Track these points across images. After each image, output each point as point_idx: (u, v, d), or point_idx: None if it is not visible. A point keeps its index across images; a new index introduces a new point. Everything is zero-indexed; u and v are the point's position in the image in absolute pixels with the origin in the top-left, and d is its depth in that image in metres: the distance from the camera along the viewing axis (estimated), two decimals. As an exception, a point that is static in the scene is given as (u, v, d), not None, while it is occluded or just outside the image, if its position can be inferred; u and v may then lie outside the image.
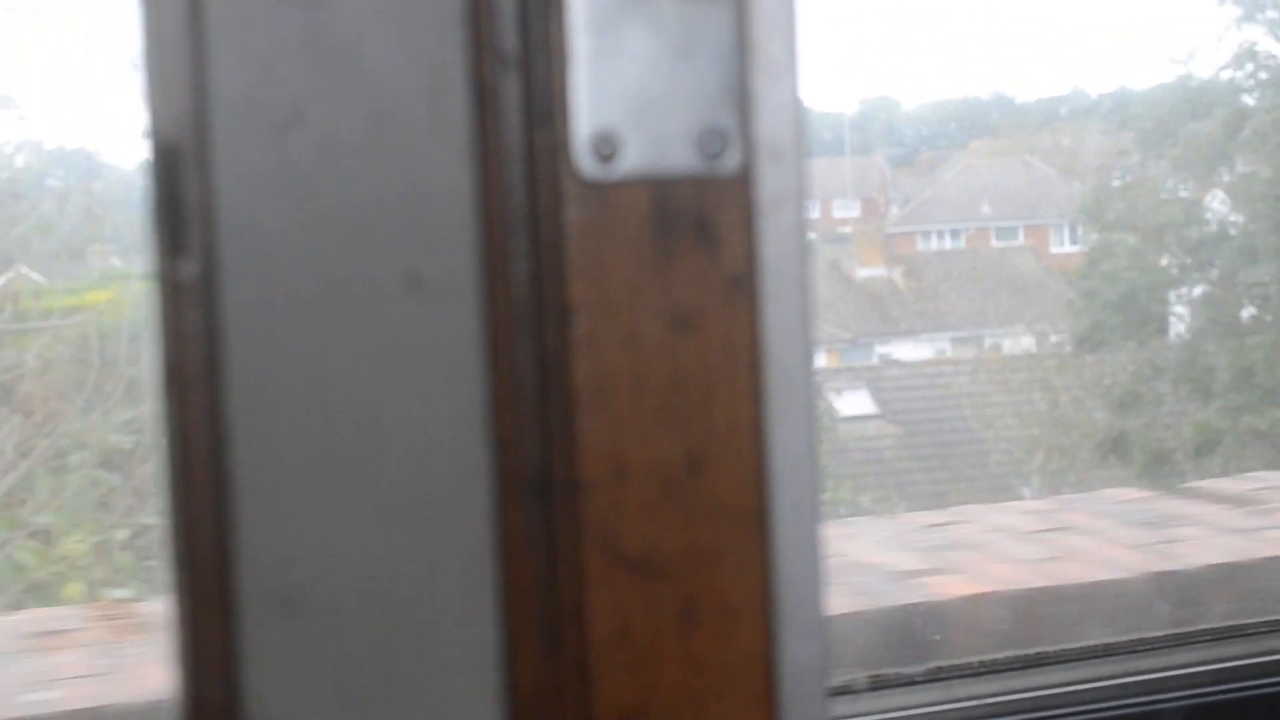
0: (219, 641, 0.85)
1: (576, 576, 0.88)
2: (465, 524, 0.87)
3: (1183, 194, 9.92)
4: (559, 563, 0.88)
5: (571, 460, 0.88)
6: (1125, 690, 2.18)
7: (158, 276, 0.85)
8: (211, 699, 0.85)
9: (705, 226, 0.90)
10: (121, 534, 4.22)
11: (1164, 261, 9.71)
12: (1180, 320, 9.68)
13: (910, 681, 2.13)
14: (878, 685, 2.10)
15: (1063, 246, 11.57)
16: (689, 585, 0.90)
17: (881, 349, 10.52)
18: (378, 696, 0.86)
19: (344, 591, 0.86)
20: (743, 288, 0.91)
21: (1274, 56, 9.70)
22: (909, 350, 10.46)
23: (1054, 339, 10.17)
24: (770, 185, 0.91)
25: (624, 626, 0.89)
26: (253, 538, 0.84)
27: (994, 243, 12.05)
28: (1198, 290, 9.66)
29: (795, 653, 0.91)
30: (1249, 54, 9.64)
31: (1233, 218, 9.62)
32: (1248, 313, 9.39)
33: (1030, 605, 2.46)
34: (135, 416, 4.32)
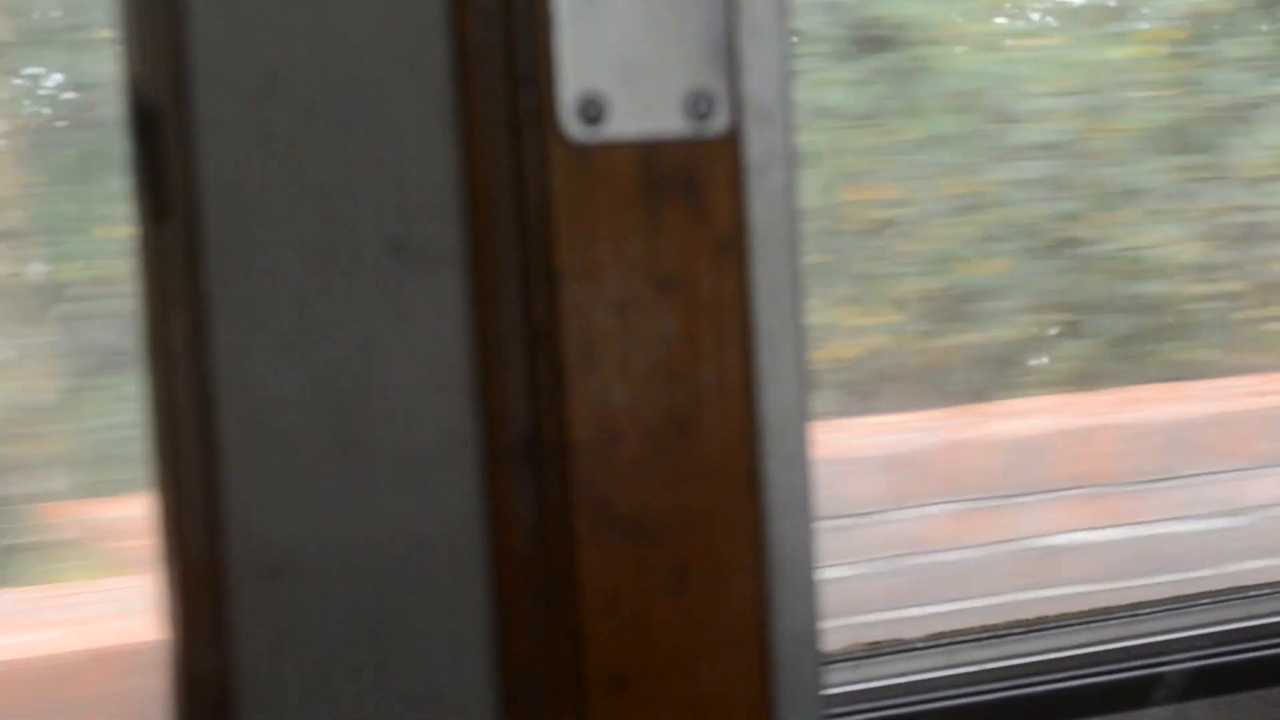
0: (209, 610, 0.84)
1: (567, 541, 0.88)
2: (454, 490, 0.87)
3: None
4: (549, 527, 0.88)
5: (561, 424, 0.88)
6: (1127, 654, 2.18)
7: (140, 242, 0.84)
8: (202, 667, 0.85)
9: (693, 188, 0.89)
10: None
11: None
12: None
13: (909, 648, 2.13)
14: (875, 651, 2.10)
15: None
16: (680, 547, 0.89)
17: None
18: (368, 664, 0.86)
19: (333, 559, 0.85)
20: (732, 249, 0.90)
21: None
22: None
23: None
24: (759, 146, 0.91)
25: (615, 590, 0.89)
26: (241, 506, 0.84)
27: None
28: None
29: (788, 614, 0.91)
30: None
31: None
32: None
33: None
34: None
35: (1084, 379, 3.06)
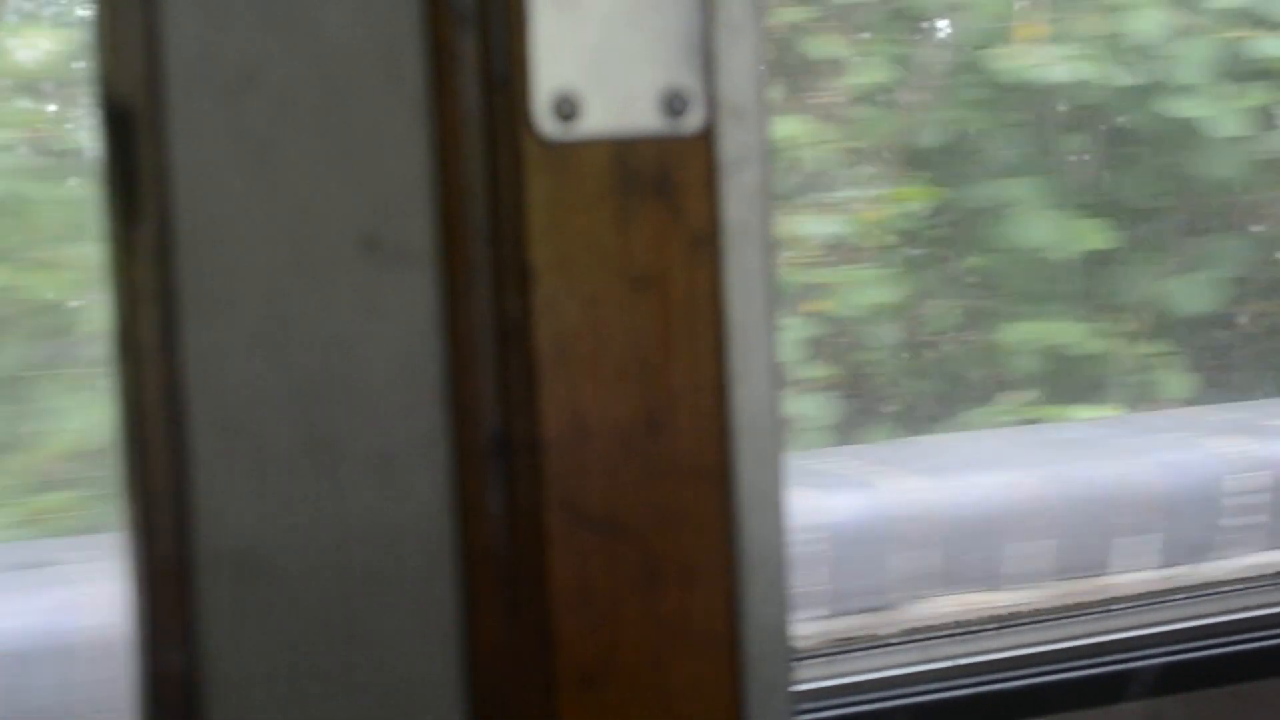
0: (177, 608, 0.84)
1: (537, 537, 0.88)
2: (425, 487, 0.87)
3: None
4: (519, 524, 0.88)
5: (532, 421, 0.88)
6: (1100, 649, 2.19)
7: (111, 240, 0.84)
8: (170, 664, 0.85)
9: (667, 186, 0.90)
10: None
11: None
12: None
13: (881, 643, 2.13)
14: (847, 647, 2.10)
15: None
16: (651, 545, 0.90)
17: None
18: (337, 660, 0.86)
19: (302, 556, 0.85)
20: (705, 247, 0.90)
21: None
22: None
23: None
24: (732, 144, 0.91)
25: (585, 587, 0.89)
26: (210, 503, 0.84)
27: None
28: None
29: (759, 612, 0.91)
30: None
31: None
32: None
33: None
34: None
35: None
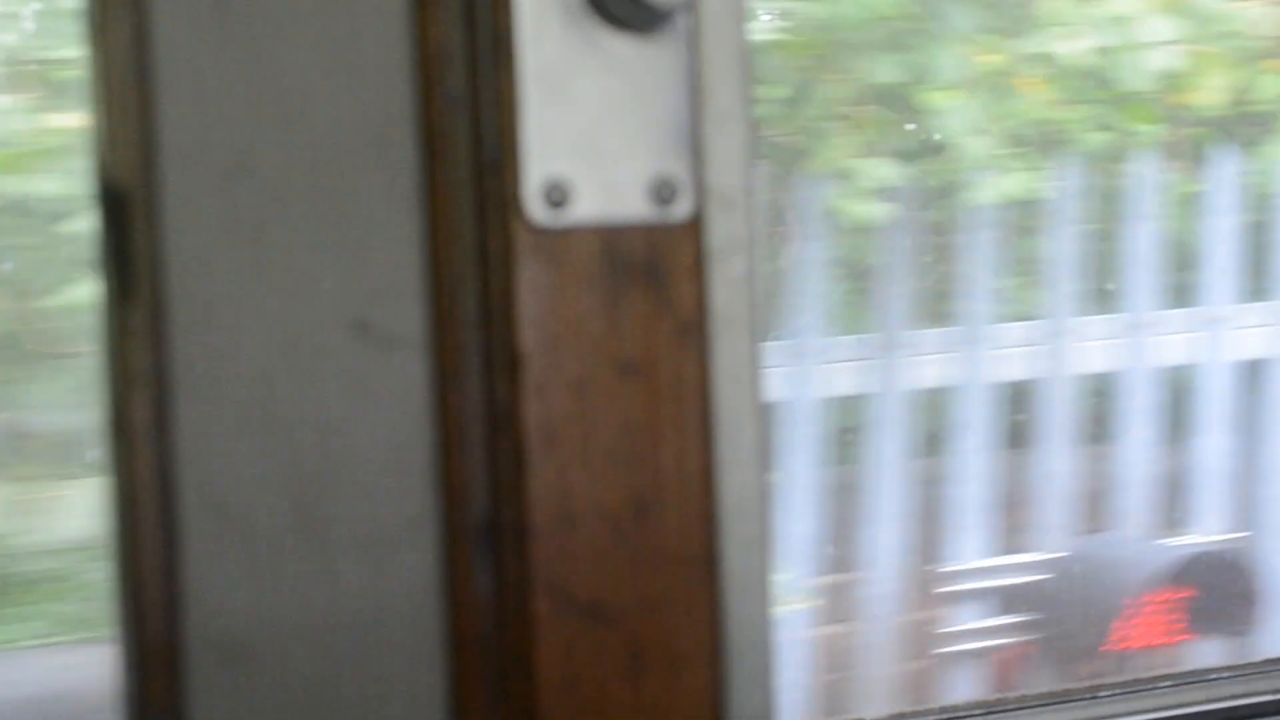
0: (166, 692, 0.84)
1: (525, 623, 0.88)
2: (414, 571, 0.87)
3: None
4: (507, 609, 0.88)
5: (520, 506, 0.88)
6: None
7: (106, 322, 0.85)
8: None
9: (656, 273, 0.90)
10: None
11: None
12: None
13: (869, 727, 2.12)
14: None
15: None
16: (637, 631, 0.90)
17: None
18: None
19: (291, 640, 0.85)
20: (693, 334, 0.91)
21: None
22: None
23: None
24: (720, 232, 0.91)
25: (572, 673, 0.89)
26: (200, 587, 0.84)
27: None
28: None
29: (744, 699, 0.91)
30: None
31: None
32: None
33: None
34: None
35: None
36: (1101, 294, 3.71)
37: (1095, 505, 3.78)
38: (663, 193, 0.90)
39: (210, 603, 0.84)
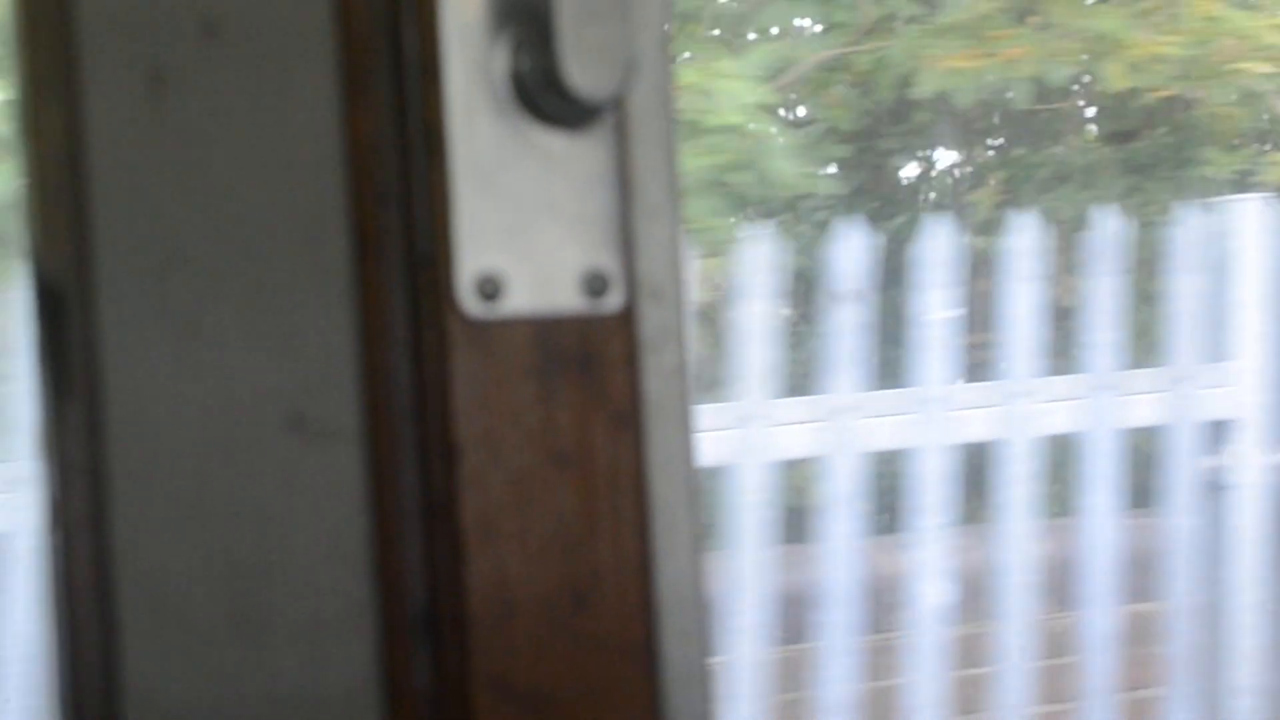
0: None
1: (464, 714, 0.88)
2: (351, 662, 0.87)
3: None
4: (446, 700, 0.88)
5: (459, 597, 0.88)
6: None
7: (44, 415, 0.85)
8: None
9: (589, 364, 0.91)
10: None
11: None
12: None
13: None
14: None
15: None
16: None
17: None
18: None
19: None
20: (627, 424, 0.92)
21: None
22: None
23: None
24: (651, 324, 0.92)
25: None
26: (138, 678, 0.84)
27: None
28: None
29: None
30: None
31: None
32: None
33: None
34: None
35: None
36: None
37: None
38: (594, 285, 0.91)
39: (148, 694, 0.84)
